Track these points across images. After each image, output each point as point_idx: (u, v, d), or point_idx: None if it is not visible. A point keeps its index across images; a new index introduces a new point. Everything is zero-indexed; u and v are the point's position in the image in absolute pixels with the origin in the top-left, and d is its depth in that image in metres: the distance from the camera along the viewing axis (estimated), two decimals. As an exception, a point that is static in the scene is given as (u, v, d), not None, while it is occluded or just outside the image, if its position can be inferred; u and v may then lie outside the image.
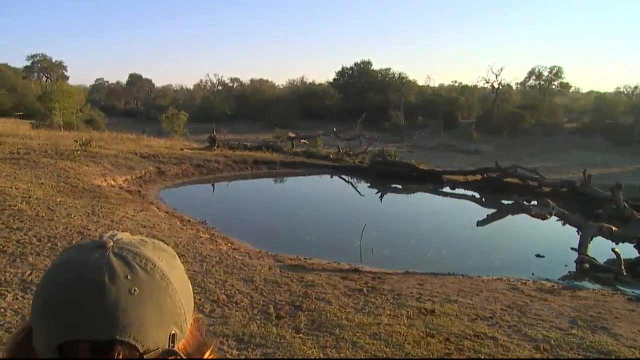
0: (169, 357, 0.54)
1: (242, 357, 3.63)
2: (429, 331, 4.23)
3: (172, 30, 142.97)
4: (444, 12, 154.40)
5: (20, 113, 32.87)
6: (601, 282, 7.08)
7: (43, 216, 7.05)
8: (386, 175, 16.54)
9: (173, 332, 0.55)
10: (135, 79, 59.00)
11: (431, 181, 15.66)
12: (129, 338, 0.51)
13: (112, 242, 0.57)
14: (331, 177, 17.41)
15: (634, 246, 9.06)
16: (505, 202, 12.60)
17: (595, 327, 4.61)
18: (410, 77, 51.26)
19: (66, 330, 0.51)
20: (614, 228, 8.69)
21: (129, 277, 0.53)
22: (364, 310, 4.67)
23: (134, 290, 0.53)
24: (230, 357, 3.56)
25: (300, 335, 4.02)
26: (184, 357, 0.55)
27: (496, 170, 15.35)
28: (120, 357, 0.51)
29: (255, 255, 6.79)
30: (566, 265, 7.82)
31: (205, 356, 0.60)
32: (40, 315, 0.53)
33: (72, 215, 7.33)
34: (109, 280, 0.52)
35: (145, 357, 0.52)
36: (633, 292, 6.31)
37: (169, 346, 0.55)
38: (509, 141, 34.52)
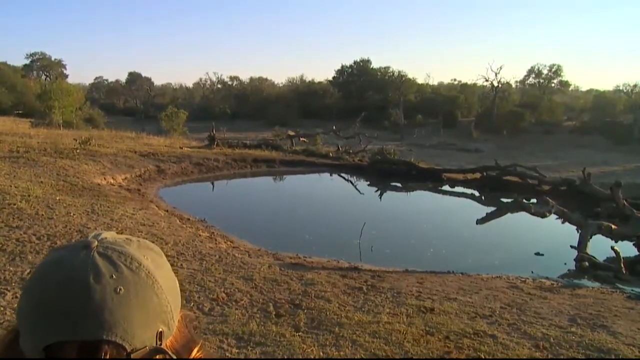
0: (157, 356, 0.54)
1: (242, 355, 3.62)
2: (428, 329, 4.23)
3: (172, 28, 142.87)
4: (443, 11, 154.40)
5: (20, 111, 32.87)
6: (600, 280, 7.09)
7: (42, 215, 7.05)
8: (386, 174, 16.55)
9: (160, 330, 0.55)
10: (134, 78, 58.83)
11: (431, 179, 15.68)
12: (116, 337, 0.51)
13: (96, 242, 0.56)
14: (331, 175, 17.40)
15: (634, 244, 9.06)
16: (504, 200, 12.62)
17: (595, 325, 4.61)
18: (410, 76, 51.00)
19: (52, 331, 0.51)
20: (613, 226, 8.69)
21: (114, 276, 0.53)
22: (363, 309, 4.67)
23: (120, 289, 0.52)
24: (230, 355, 3.55)
25: (300, 333, 4.02)
26: (171, 355, 0.55)
27: (496, 169, 15.37)
28: (108, 357, 0.51)
29: (255, 253, 6.78)
30: (565, 264, 7.83)
31: (193, 353, 0.60)
32: (26, 317, 0.53)
33: (72, 214, 7.33)
34: (94, 280, 0.52)
35: (132, 356, 0.52)
36: (632, 290, 6.32)
37: (156, 344, 0.54)
38: (509, 140, 34.48)
